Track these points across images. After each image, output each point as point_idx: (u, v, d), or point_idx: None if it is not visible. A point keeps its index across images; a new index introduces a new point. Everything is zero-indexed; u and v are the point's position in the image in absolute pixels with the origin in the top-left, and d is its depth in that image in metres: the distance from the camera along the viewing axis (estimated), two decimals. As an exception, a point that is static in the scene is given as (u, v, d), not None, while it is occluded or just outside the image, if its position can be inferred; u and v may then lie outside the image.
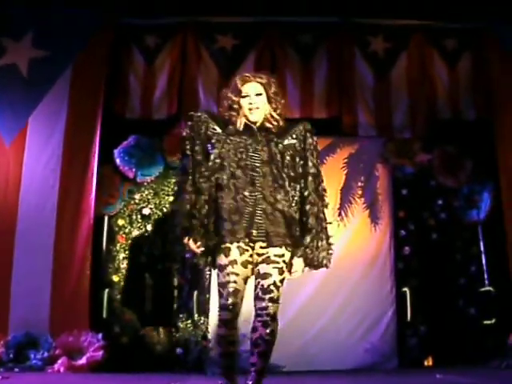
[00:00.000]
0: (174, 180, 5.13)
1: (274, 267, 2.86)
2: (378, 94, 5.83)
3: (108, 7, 5.54)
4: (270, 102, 3.07)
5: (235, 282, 2.84)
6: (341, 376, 5.03)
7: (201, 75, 5.75)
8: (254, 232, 2.86)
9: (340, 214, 5.73)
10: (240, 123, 3.07)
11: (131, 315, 5.58)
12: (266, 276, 2.85)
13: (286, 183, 2.97)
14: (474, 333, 5.62)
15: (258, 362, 2.86)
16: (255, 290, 2.88)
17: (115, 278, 5.67)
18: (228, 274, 2.84)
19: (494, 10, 5.54)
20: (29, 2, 5.39)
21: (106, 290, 5.55)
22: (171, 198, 4.98)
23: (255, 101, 3.05)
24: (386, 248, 5.79)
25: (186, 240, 2.92)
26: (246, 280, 2.90)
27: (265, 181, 2.94)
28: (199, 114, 3.13)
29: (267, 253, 2.88)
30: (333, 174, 5.68)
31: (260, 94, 3.06)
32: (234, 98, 3.07)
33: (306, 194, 3.01)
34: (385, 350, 5.59)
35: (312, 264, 2.99)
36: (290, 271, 2.92)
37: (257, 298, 2.86)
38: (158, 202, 5.83)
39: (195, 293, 5.64)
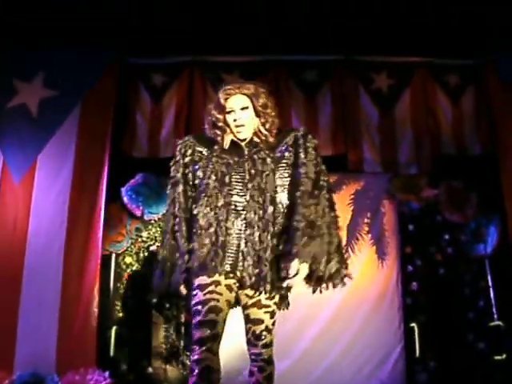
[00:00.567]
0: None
1: (265, 312, 2.68)
2: (383, 130, 5.88)
3: (115, 46, 5.63)
4: (258, 115, 2.82)
5: (218, 300, 2.58)
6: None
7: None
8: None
9: (347, 251, 5.71)
10: (226, 142, 2.82)
11: (138, 353, 5.57)
12: (257, 322, 2.68)
13: (278, 208, 2.69)
14: (484, 368, 5.54)
15: None
16: (247, 334, 2.71)
17: (122, 316, 5.66)
18: (210, 293, 2.59)
19: (494, 43, 5.61)
20: (39, 43, 5.47)
21: (114, 328, 5.53)
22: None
23: (240, 116, 2.78)
24: (394, 284, 5.78)
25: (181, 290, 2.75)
26: (228, 306, 2.66)
27: (250, 207, 2.66)
28: (186, 138, 2.92)
29: (258, 295, 2.68)
30: (339, 210, 5.62)
31: (246, 108, 2.80)
32: (218, 116, 2.82)
33: (298, 201, 2.64)
34: (394, 387, 5.55)
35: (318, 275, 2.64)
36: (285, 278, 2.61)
37: (249, 343, 2.70)
38: (165, 239, 5.83)
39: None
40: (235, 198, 2.69)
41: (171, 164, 2.90)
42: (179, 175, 2.84)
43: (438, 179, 5.91)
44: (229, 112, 2.81)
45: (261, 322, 2.68)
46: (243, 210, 2.67)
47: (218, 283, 2.60)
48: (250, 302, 2.70)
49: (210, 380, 2.53)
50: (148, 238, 5.84)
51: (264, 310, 2.68)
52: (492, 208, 5.86)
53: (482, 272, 5.92)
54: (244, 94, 2.82)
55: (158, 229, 5.83)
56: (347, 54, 5.88)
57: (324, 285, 2.69)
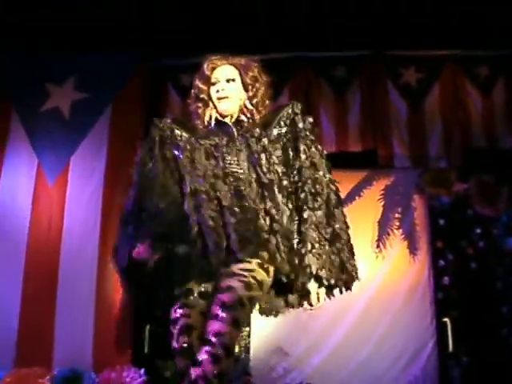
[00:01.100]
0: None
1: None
2: (413, 125, 5.84)
3: (144, 47, 5.69)
4: (246, 89, 2.48)
5: None
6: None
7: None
8: None
9: (378, 246, 5.72)
10: (208, 117, 2.48)
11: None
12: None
13: (277, 196, 2.31)
14: (519, 362, 5.53)
15: None
16: None
17: (157, 313, 5.72)
18: None
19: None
20: (69, 47, 5.56)
21: (148, 325, 5.59)
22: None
23: (223, 87, 2.45)
24: (425, 279, 5.75)
25: None
26: None
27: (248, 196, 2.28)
28: (162, 120, 2.55)
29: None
30: (370, 206, 5.72)
31: (232, 80, 2.48)
32: (201, 86, 2.50)
33: (302, 196, 2.34)
34: (427, 382, 5.52)
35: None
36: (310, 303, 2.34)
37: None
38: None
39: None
40: (234, 184, 2.34)
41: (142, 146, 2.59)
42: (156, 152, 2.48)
43: (468, 173, 5.86)
44: (213, 83, 2.50)
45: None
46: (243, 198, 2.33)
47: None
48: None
49: None
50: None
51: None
52: (524, 201, 5.82)
53: (514, 265, 5.89)
54: (232, 65, 2.52)
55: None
56: (375, 49, 5.85)
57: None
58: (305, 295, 2.36)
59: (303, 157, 2.40)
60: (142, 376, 5.17)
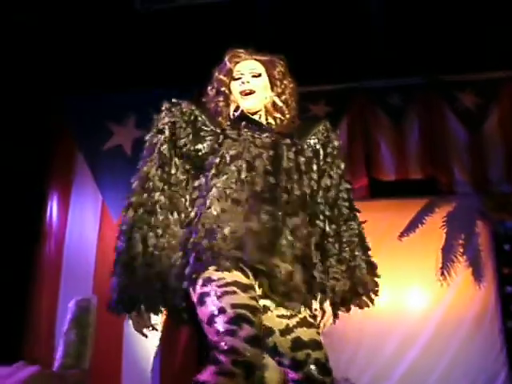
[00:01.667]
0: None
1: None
2: (473, 150, 5.78)
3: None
4: (273, 85, 2.23)
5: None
6: None
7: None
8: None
9: (442, 274, 5.62)
10: (229, 114, 2.22)
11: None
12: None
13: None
14: None
15: None
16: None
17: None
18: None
19: None
20: (128, 86, 5.73)
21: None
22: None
23: (248, 80, 2.21)
24: (492, 306, 5.60)
25: None
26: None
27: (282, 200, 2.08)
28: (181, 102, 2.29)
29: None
30: (432, 233, 5.64)
31: (258, 75, 2.23)
32: (224, 78, 2.24)
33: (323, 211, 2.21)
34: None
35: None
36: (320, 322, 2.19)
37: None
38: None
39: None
40: (271, 183, 2.11)
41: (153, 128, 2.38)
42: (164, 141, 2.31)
43: (532, 196, 5.76)
44: (236, 79, 2.24)
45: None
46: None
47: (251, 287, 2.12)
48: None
49: None
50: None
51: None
52: None
53: None
54: (257, 61, 2.26)
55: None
56: (429, 74, 5.83)
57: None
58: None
59: (333, 175, 2.27)
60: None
